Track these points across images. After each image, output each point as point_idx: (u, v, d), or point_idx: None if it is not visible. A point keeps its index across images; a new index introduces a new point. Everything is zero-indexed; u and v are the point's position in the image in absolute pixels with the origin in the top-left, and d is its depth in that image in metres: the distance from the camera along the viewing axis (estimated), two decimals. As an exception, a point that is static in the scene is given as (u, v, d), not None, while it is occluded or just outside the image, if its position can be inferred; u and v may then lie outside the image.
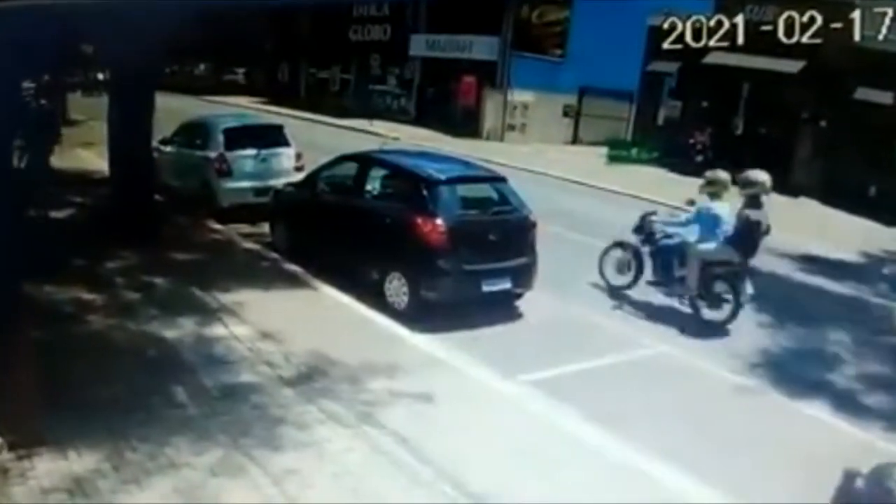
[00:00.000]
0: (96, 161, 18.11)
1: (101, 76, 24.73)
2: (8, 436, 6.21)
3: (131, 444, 6.63)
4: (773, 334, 11.31)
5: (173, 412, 7.35)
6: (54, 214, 14.04)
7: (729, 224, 11.21)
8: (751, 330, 11.31)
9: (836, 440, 8.26)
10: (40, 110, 19.12)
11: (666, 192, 22.70)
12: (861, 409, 9.13)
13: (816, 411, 9.00)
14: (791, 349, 10.87)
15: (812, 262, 15.04)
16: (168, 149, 16.84)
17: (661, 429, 7.92)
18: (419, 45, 38.54)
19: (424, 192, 10.80)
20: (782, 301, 12.76)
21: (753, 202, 11.00)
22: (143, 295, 10.45)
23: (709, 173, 11.62)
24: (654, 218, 12.29)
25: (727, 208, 11.40)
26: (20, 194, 9.45)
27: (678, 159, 28.84)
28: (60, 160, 18.59)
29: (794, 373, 10.03)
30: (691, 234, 11.58)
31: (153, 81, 13.97)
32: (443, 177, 11.04)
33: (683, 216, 12.06)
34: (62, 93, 22.31)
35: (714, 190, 11.40)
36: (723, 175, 11.43)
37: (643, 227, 12.20)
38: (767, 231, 11.11)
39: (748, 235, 11.03)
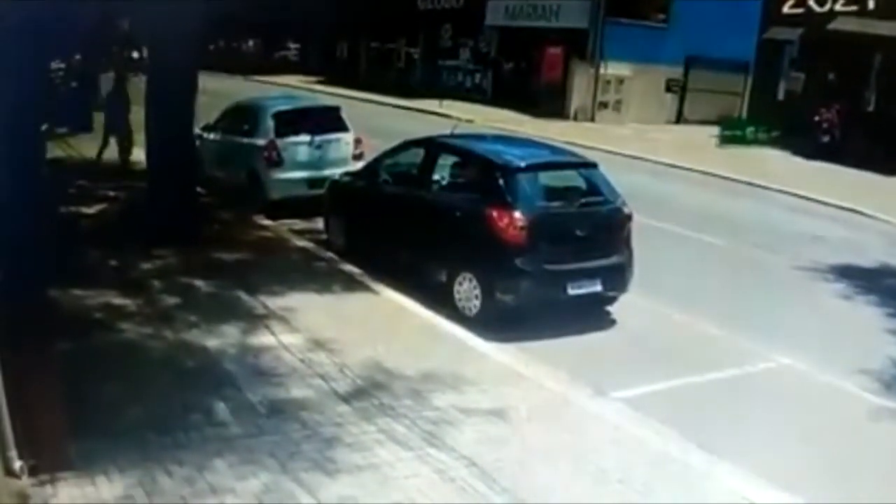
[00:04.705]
0: (131, 150, 18.57)
1: (136, 55, 25.37)
2: (29, 459, 6.28)
3: (167, 467, 6.67)
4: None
5: (214, 432, 7.38)
6: (84, 210, 14.42)
7: None
8: (886, 339, 10.98)
9: None
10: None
11: (793, 180, 22.27)
12: None
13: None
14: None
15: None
16: (212, 136, 17.15)
17: (782, 456, 7.71)
18: (497, 13, 38.60)
19: (501, 182, 10.72)
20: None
21: None
22: (182, 300, 10.61)
23: None
24: None
25: None
26: (47, 189, 9.67)
27: (802, 139, 28.29)
28: (91, 150, 19.12)
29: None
30: None
31: (196, 60, 14.19)
32: (522, 163, 10.96)
33: None
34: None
35: None
36: None
37: None
38: None
39: None
